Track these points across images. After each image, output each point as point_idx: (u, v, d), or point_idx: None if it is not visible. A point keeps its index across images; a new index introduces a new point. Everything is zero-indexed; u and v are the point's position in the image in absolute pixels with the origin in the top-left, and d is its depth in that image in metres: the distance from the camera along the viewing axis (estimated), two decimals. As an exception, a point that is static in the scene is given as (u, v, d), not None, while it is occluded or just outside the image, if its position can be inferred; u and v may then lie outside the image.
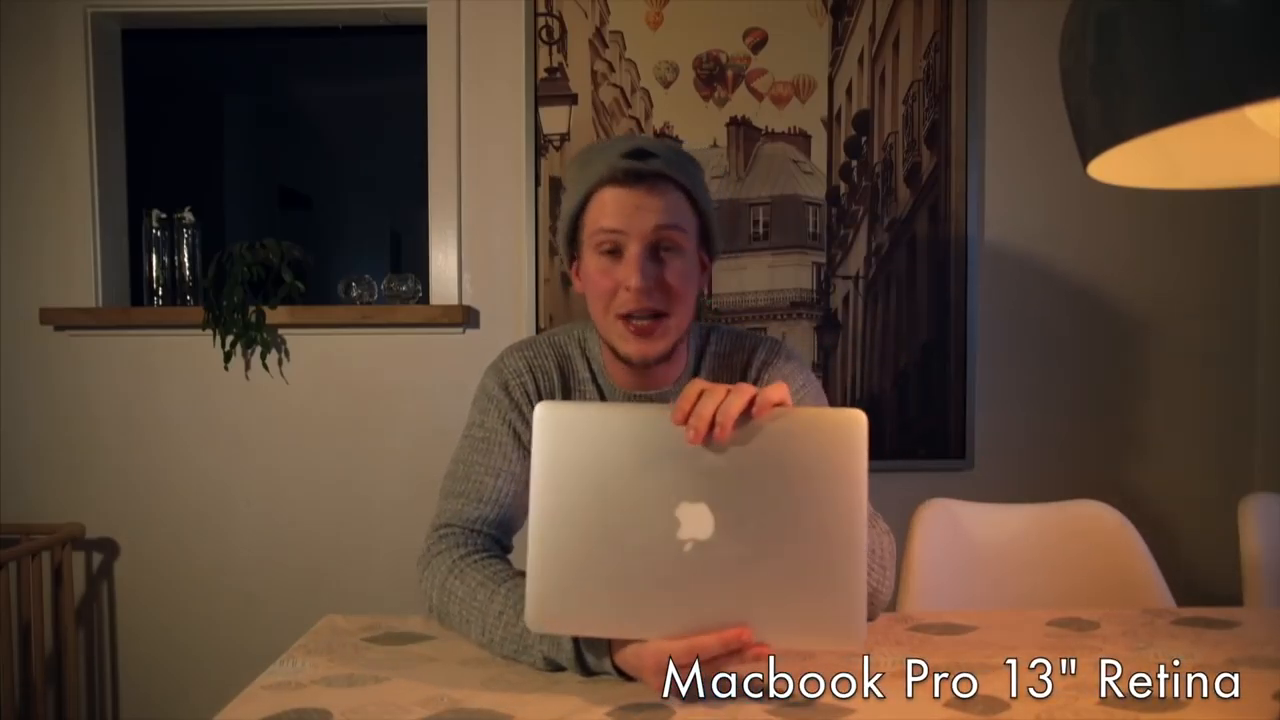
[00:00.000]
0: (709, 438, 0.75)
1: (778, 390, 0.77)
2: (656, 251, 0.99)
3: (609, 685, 0.84)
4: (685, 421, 0.76)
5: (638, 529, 0.76)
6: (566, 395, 1.11)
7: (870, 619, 1.02)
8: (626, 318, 1.00)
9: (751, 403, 0.76)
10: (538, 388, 1.10)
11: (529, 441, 1.08)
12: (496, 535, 1.07)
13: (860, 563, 0.75)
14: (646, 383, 1.09)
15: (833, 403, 2.04)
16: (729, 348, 1.14)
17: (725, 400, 0.76)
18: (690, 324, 1.07)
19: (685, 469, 0.76)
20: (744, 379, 1.12)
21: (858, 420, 0.75)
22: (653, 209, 0.98)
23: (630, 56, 2.03)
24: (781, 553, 0.75)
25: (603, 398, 1.11)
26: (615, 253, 1.00)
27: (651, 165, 0.98)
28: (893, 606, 1.30)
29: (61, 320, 2.04)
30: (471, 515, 1.06)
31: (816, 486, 0.75)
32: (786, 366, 1.13)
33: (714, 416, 0.75)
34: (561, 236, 1.08)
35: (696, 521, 0.75)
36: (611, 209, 0.99)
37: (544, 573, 0.77)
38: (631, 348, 1.01)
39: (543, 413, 0.78)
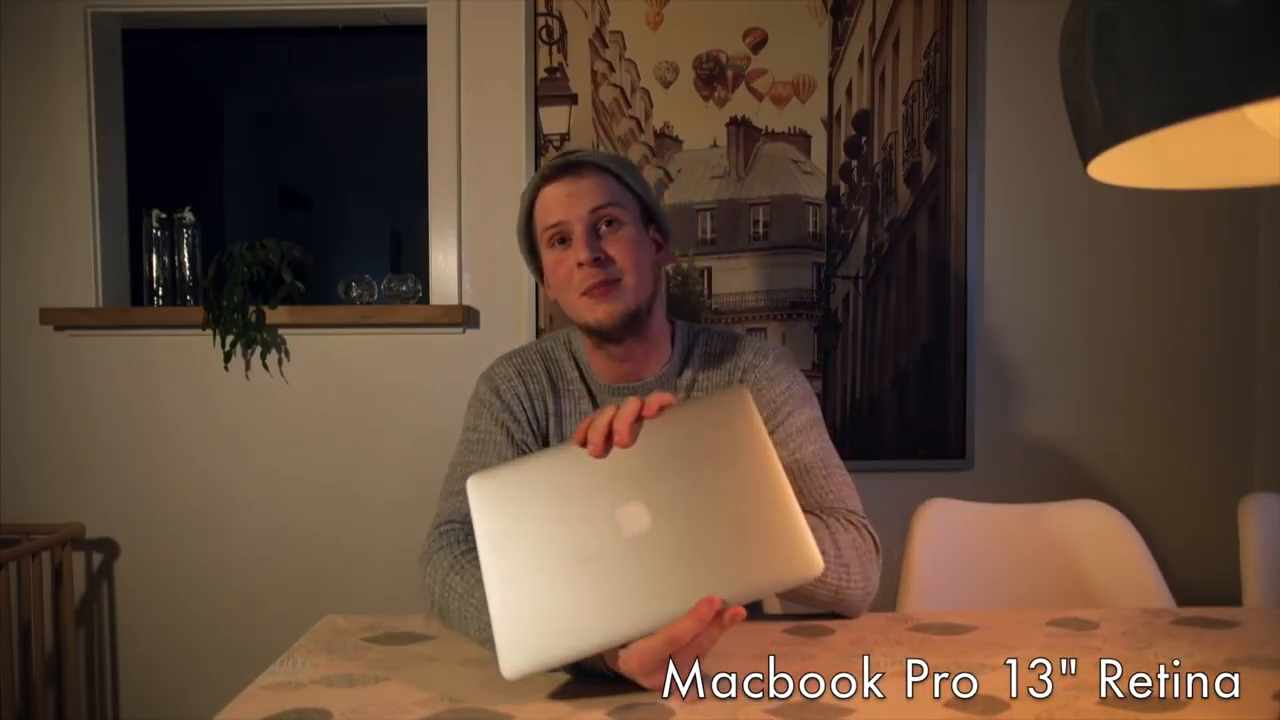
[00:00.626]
0: (608, 448, 0.82)
1: (661, 396, 0.85)
2: (598, 229, 1.08)
3: (608, 685, 0.84)
4: (585, 442, 0.82)
5: (585, 546, 0.80)
6: (556, 396, 1.16)
7: (850, 616, 1.04)
8: (586, 293, 1.07)
9: (641, 408, 0.83)
10: (528, 390, 1.16)
11: (521, 440, 1.13)
12: None
13: (787, 499, 0.80)
14: (629, 374, 1.14)
15: (831, 403, 2.05)
16: (719, 348, 1.18)
17: (617, 413, 0.83)
18: (652, 297, 1.12)
19: (615, 482, 0.81)
20: (730, 379, 1.16)
21: (740, 392, 0.85)
22: (584, 193, 1.08)
23: (630, 56, 2.03)
24: (718, 519, 0.80)
25: (590, 394, 1.16)
26: (565, 242, 1.09)
27: (574, 157, 1.10)
28: (892, 606, 1.30)
29: (61, 320, 2.04)
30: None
31: (726, 453, 0.82)
32: (775, 368, 1.15)
33: (609, 428, 0.82)
34: (523, 253, 1.17)
35: (636, 518, 0.80)
36: (551, 204, 1.09)
37: (507, 619, 0.79)
38: (597, 313, 1.08)
39: (473, 486, 0.83)
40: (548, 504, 0.82)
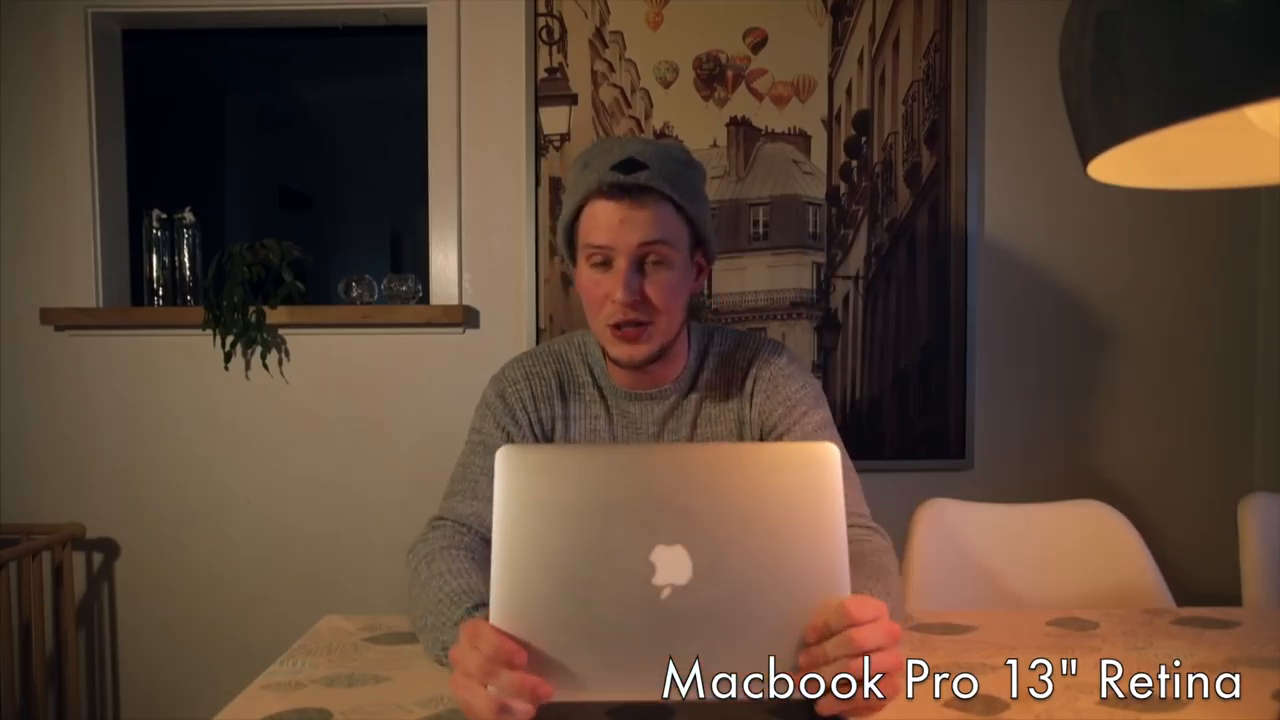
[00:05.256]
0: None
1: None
2: (642, 265, 1.03)
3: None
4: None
5: (610, 577, 0.71)
6: (564, 400, 1.16)
7: None
8: (615, 326, 1.04)
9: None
10: (533, 393, 1.15)
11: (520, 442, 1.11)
12: (488, 534, 1.08)
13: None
14: (647, 382, 1.14)
15: (831, 403, 2.04)
16: (731, 348, 1.19)
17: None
18: (681, 326, 1.11)
19: (661, 511, 0.71)
20: (744, 378, 1.16)
21: (830, 454, 0.73)
22: (638, 224, 1.01)
23: (630, 56, 2.03)
24: (761, 596, 0.72)
25: (603, 399, 1.16)
26: (605, 264, 1.04)
27: (638, 178, 1.00)
28: (893, 606, 1.30)
29: (61, 320, 2.04)
30: (465, 511, 1.08)
31: (792, 524, 0.72)
32: (789, 368, 1.17)
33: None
34: (561, 241, 1.12)
35: (674, 566, 0.71)
36: (600, 223, 1.02)
37: (506, 629, 0.71)
38: (620, 351, 1.07)
39: (504, 456, 0.72)
40: (584, 508, 0.72)
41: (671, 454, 0.76)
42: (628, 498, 0.72)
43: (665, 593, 0.71)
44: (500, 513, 0.71)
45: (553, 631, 0.71)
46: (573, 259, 1.12)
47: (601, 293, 1.04)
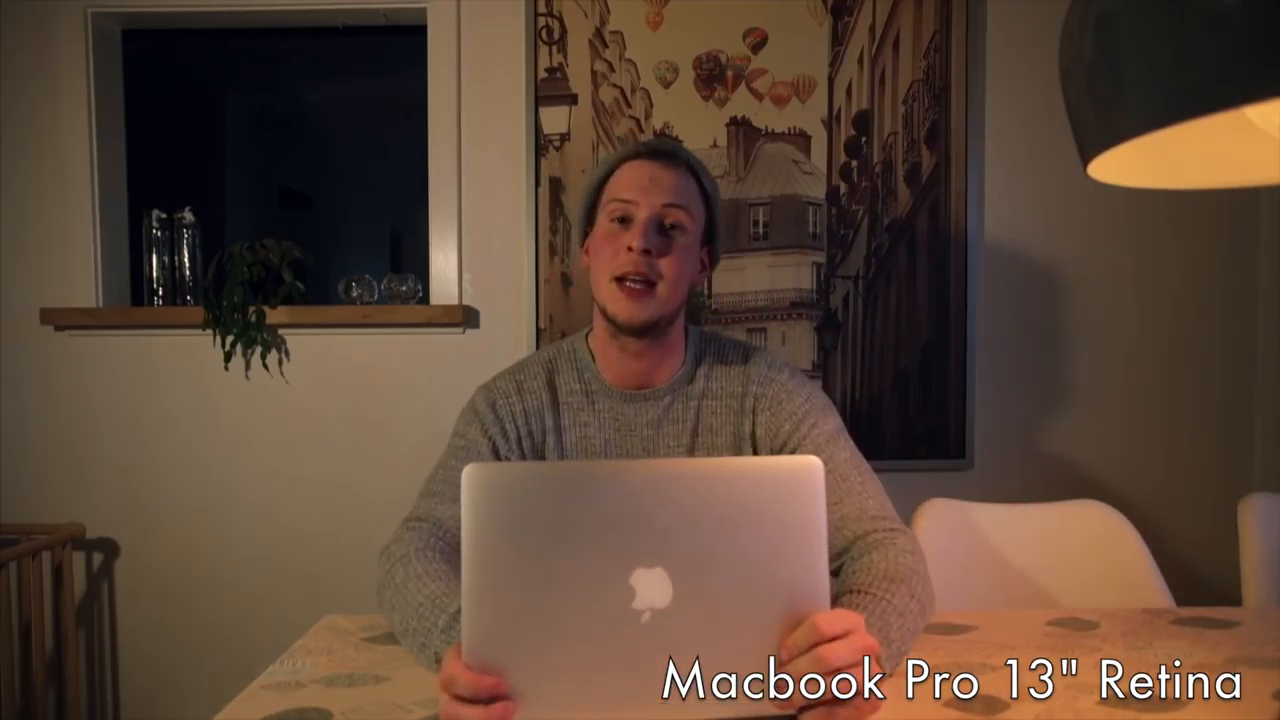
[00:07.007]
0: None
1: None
2: (662, 225, 1.08)
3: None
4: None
5: (588, 603, 0.68)
6: (556, 411, 1.15)
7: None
8: (622, 280, 1.07)
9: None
10: (524, 408, 1.14)
11: (506, 457, 1.11)
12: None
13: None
14: (642, 376, 1.14)
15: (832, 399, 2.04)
16: (730, 357, 1.18)
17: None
18: (679, 310, 1.12)
19: (639, 531, 0.68)
20: (743, 390, 1.15)
21: (813, 467, 0.70)
22: (665, 185, 1.08)
23: (630, 56, 2.03)
24: (743, 617, 0.70)
25: (593, 405, 1.15)
26: (626, 221, 1.09)
27: (670, 146, 1.12)
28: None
29: (61, 320, 2.04)
30: (443, 514, 1.07)
31: (774, 541, 0.70)
32: (791, 382, 1.15)
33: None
34: (580, 209, 1.17)
35: (654, 588, 0.68)
36: (629, 179, 1.09)
37: (477, 658, 0.68)
38: (622, 309, 1.07)
39: (471, 475, 0.68)
40: (558, 530, 0.68)
41: (649, 471, 0.73)
42: (605, 518, 0.69)
43: (645, 616, 0.69)
44: (469, 536, 0.68)
45: (529, 661, 0.69)
46: (585, 230, 1.16)
47: (614, 246, 1.08)
